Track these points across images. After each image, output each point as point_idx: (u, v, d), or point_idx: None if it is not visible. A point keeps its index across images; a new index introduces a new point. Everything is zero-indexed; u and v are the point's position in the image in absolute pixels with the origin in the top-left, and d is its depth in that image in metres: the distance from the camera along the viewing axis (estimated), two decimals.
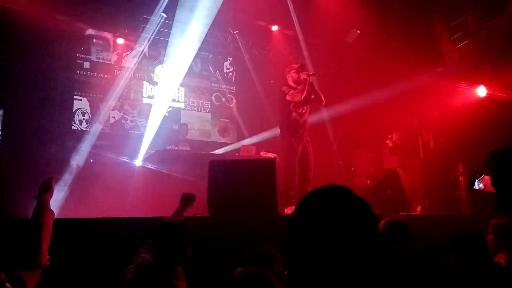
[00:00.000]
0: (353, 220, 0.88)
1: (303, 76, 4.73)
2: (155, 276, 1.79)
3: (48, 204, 1.92)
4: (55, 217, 1.91)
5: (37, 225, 1.78)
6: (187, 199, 2.65)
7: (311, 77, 4.74)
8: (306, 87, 4.67)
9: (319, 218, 0.89)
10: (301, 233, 0.91)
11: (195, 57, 8.77)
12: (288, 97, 4.74)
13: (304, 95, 4.67)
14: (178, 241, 1.94)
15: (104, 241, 2.66)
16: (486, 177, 2.22)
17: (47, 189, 1.97)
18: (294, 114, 4.78)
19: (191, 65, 8.75)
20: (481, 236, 2.38)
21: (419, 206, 5.64)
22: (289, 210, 4.08)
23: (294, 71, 4.85)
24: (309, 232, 0.89)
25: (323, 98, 4.84)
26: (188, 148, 6.23)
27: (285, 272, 1.81)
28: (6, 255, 1.73)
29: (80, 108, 7.42)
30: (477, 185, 2.21)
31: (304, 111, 4.85)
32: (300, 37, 8.28)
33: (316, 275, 0.86)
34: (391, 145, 6.47)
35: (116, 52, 7.99)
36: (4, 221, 2.59)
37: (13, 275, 1.49)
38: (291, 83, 4.87)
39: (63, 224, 2.81)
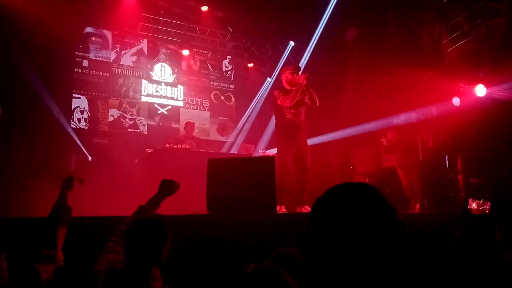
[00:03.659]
0: (374, 217, 0.88)
1: (300, 79, 4.70)
2: (129, 283, 1.68)
3: (67, 200, 1.92)
4: (71, 213, 1.92)
5: (57, 219, 1.80)
6: (166, 187, 2.26)
7: (306, 80, 4.68)
8: (299, 91, 4.65)
9: (342, 212, 0.89)
10: (322, 225, 0.92)
11: (194, 55, 8.78)
12: (279, 102, 4.75)
13: (294, 101, 4.67)
14: (153, 240, 1.75)
15: (102, 240, 2.66)
16: (484, 201, 2.32)
17: (68, 186, 1.95)
18: (289, 115, 4.77)
19: (190, 64, 8.76)
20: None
21: (417, 205, 5.65)
22: (282, 209, 4.10)
23: (289, 72, 4.83)
24: (330, 225, 0.90)
25: (317, 100, 4.80)
26: (194, 144, 6.22)
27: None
28: (24, 251, 1.75)
29: (79, 106, 7.42)
30: (472, 205, 2.32)
31: (299, 112, 4.84)
32: (299, 35, 8.29)
33: (332, 265, 0.87)
34: (385, 144, 6.48)
35: (115, 50, 7.99)
36: (22, 220, 2.61)
37: (30, 268, 1.54)
38: (285, 84, 4.86)
39: None
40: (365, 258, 0.84)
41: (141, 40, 8.26)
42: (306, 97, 4.76)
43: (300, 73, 4.88)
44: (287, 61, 8.88)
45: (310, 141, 5.26)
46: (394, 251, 0.87)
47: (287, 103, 4.69)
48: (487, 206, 2.44)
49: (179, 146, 5.82)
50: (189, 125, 6.56)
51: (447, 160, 5.66)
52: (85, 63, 7.62)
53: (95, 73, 7.67)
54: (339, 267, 0.86)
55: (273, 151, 6.19)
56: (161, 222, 1.82)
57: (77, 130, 7.13)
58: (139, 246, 1.74)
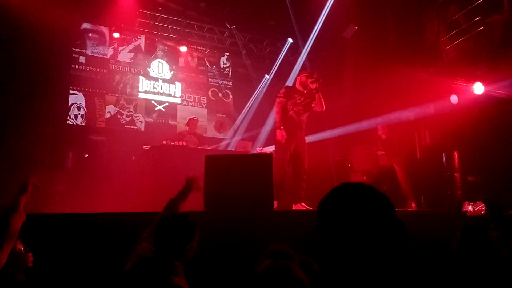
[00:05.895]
0: (377, 215, 0.95)
1: (311, 84, 4.76)
2: (153, 271, 1.77)
3: (20, 206, 1.90)
4: (24, 219, 1.89)
5: (3, 224, 1.77)
6: (191, 183, 2.62)
7: (316, 85, 4.77)
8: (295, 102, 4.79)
9: (346, 212, 0.95)
10: (329, 225, 0.97)
11: (192, 52, 8.75)
12: (276, 100, 4.84)
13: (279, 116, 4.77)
14: (181, 235, 1.87)
15: (100, 237, 2.65)
16: (478, 203, 2.36)
17: (22, 191, 1.96)
18: (291, 112, 4.78)
19: (187, 60, 8.73)
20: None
21: (413, 203, 5.64)
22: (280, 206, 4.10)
23: (304, 75, 4.91)
24: (336, 225, 0.95)
25: (324, 106, 4.85)
26: (196, 141, 6.22)
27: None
28: None
29: (76, 103, 7.38)
30: (467, 207, 2.35)
31: (302, 112, 4.86)
32: (297, 32, 8.27)
33: (343, 264, 0.93)
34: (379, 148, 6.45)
35: (112, 47, 7.94)
36: None
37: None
38: (298, 85, 4.95)
39: (59, 219, 2.80)
40: (370, 255, 0.91)
41: (138, 37, 8.22)
42: (313, 102, 4.80)
43: (314, 79, 4.91)
44: (285, 58, 8.86)
45: (308, 139, 5.24)
46: (395, 249, 0.93)
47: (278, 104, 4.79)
48: (482, 207, 2.46)
49: (176, 143, 5.80)
50: (192, 121, 6.61)
51: (444, 158, 5.66)
52: (82, 59, 7.57)
53: (92, 69, 7.63)
54: (347, 264, 0.92)
55: (271, 148, 6.17)
56: (191, 219, 1.94)
57: (74, 127, 7.09)
58: (166, 239, 1.85)
